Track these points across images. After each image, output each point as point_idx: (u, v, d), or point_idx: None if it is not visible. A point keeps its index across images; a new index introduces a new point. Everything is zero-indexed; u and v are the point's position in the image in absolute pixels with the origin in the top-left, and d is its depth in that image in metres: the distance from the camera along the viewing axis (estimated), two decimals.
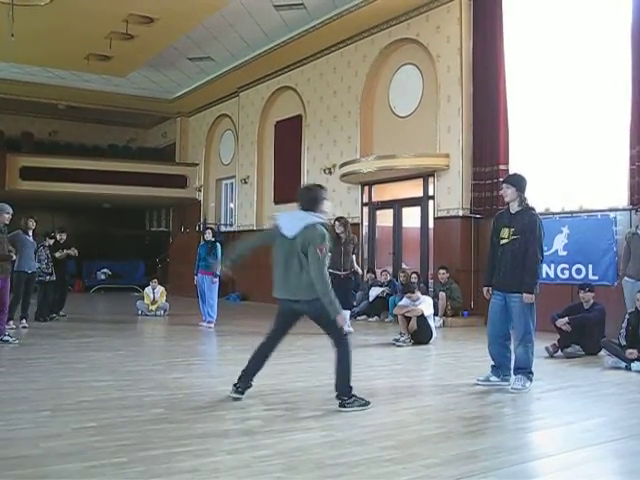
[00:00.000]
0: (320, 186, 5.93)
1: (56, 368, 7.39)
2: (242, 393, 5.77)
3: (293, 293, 5.59)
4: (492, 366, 6.64)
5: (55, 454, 4.13)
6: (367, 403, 5.51)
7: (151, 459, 4.05)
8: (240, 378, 5.83)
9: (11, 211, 9.49)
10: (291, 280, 5.55)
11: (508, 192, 6.50)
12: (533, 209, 6.59)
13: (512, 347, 6.60)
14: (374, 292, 13.67)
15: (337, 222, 10.98)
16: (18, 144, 23.22)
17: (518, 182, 6.56)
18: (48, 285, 12.25)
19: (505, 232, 6.45)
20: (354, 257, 11.05)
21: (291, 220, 5.63)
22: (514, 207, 6.51)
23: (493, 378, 6.58)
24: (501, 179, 12.13)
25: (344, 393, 5.49)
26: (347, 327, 10.65)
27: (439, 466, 4.01)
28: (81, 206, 25.13)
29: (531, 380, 6.43)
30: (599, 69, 11.29)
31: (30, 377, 6.80)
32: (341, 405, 5.45)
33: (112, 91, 21.31)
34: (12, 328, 10.62)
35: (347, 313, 10.75)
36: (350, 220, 15.58)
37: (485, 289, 6.79)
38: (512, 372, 6.52)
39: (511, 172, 12.13)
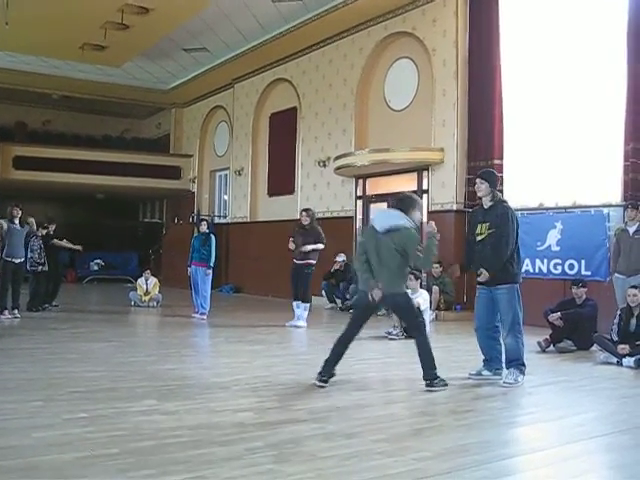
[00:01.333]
0: (416, 197, 6.70)
1: (48, 358, 7.38)
2: (326, 382, 6.11)
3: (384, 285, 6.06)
4: (484, 360, 6.66)
5: (46, 444, 4.12)
6: (447, 384, 6.07)
7: (143, 450, 4.05)
8: (324, 367, 6.19)
9: None
10: (384, 274, 6.09)
11: (482, 187, 6.61)
12: (505, 201, 6.73)
13: (501, 340, 6.61)
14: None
15: (304, 212, 11.12)
16: (11, 133, 23.13)
17: (491, 178, 6.69)
18: (40, 275, 12.22)
19: (481, 228, 6.56)
20: (314, 247, 10.87)
21: (386, 217, 6.25)
22: (486, 202, 6.63)
23: (485, 372, 6.60)
24: (496, 174, 12.27)
25: (429, 376, 6.04)
26: (303, 322, 10.72)
27: (431, 459, 4.02)
28: (74, 196, 25.05)
29: (523, 373, 6.44)
30: (594, 65, 11.29)
31: (21, 367, 6.79)
32: (428, 386, 6.02)
33: (107, 81, 21.21)
34: (8, 318, 10.60)
35: (305, 306, 10.81)
36: (346, 213, 15.73)
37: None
38: (504, 365, 6.53)
39: (505, 167, 12.27)
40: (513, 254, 6.44)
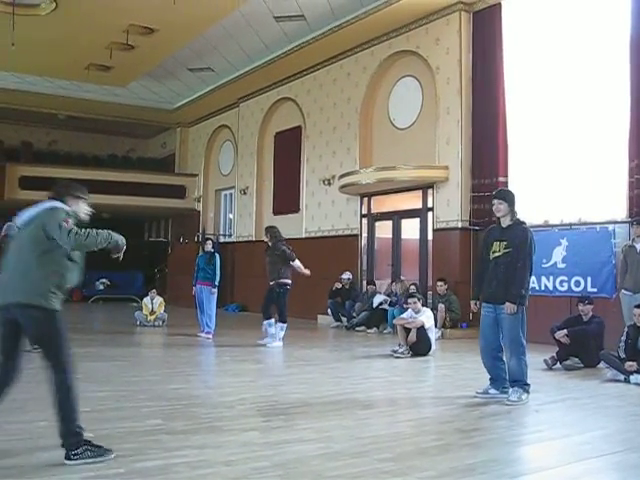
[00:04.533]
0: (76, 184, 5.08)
1: None
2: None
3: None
4: (490, 379, 6.64)
5: (52, 465, 4.12)
6: (103, 454, 4.26)
7: (148, 470, 4.04)
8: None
9: None
10: (16, 276, 4.45)
11: (501, 207, 6.55)
12: (524, 223, 6.67)
13: (505, 359, 6.59)
14: (377, 299, 13.64)
15: (266, 232, 11.21)
16: (17, 154, 23.24)
17: (509, 197, 6.64)
18: None
19: (497, 246, 6.50)
20: (286, 266, 10.81)
21: (31, 210, 4.60)
22: (505, 222, 6.57)
23: (492, 390, 6.57)
24: None
25: (69, 437, 4.31)
26: (278, 342, 10.61)
27: (436, 478, 4.00)
28: None
29: (528, 392, 6.43)
30: (598, 82, 11.33)
31: (26, 387, 6.75)
32: (68, 457, 4.21)
33: (112, 101, 21.36)
34: None
35: (271, 322, 10.77)
36: (351, 231, 15.73)
37: (473, 302, 6.90)
38: (507, 384, 6.51)
39: (509, 184, 12.26)
40: None
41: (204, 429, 5.13)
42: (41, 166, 21.56)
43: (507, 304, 6.34)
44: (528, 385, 6.46)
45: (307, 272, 11.03)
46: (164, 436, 4.88)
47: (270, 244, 10.96)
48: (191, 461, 4.24)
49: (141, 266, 24.74)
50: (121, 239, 4.63)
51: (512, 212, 6.55)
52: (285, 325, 10.84)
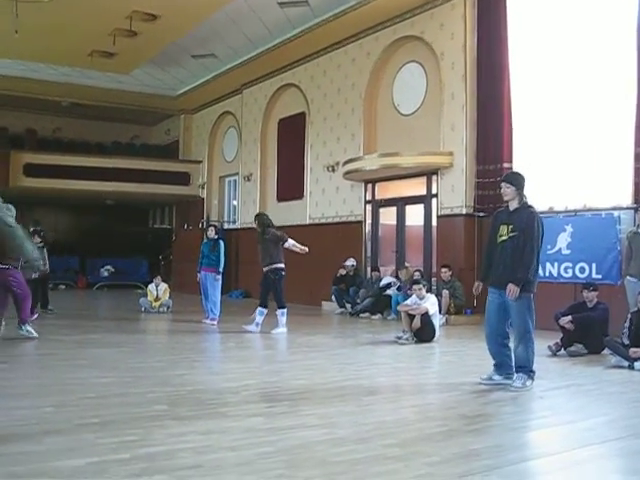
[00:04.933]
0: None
1: (58, 365, 7.41)
2: None
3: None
4: (494, 365, 6.63)
5: (58, 450, 4.14)
6: None
7: (154, 456, 4.06)
8: None
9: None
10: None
11: (508, 191, 6.52)
12: (532, 207, 6.62)
13: (511, 345, 6.58)
14: (385, 280, 13.62)
15: (255, 219, 11.21)
16: (22, 141, 23.26)
17: (517, 180, 6.58)
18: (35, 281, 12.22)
19: (504, 229, 6.46)
20: (278, 250, 10.75)
21: None
22: (513, 205, 6.54)
23: (496, 377, 6.56)
24: None
25: None
26: (283, 328, 10.57)
27: (441, 464, 4.01)
28: (84, 203, 25.18)
29: (532, 379, 6.42)
30: (604, 67, 11.25)
31: (32, 373, 6.82)
32: None
33: (115, 88, 21.29)
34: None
35: (263, 311, 10.71)
36: (355, 217, 15.72)
37: (477, 283, 6.86)
38: (512, 370, 6.51)
39: (514, 170, 12.21)
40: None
41: (209, 415, 5.15)
42: (45, 153, 21.62)
43: (509, 285, 6.25)
44: (533, 372, 6.45)
45: (304, 249, 10.92)
46: (169, 422, 4.90)
47: (259, 230, 10.95)
48: (196, 446, 4.26)
49: (146, 253, 24.85)
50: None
51: (520, 195, 6.50)
52: (285, 310, 10.76)
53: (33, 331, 9.28)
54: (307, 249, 10.98)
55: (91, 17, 14.40)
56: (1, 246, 8.64)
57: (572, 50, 11.75)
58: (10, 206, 8.95)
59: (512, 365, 6.53)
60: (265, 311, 10.75)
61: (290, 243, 10.83)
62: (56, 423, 4.79)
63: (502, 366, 6.56)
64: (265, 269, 10.77)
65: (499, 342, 6.57)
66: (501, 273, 6.42)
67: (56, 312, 13.03)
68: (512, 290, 6.26)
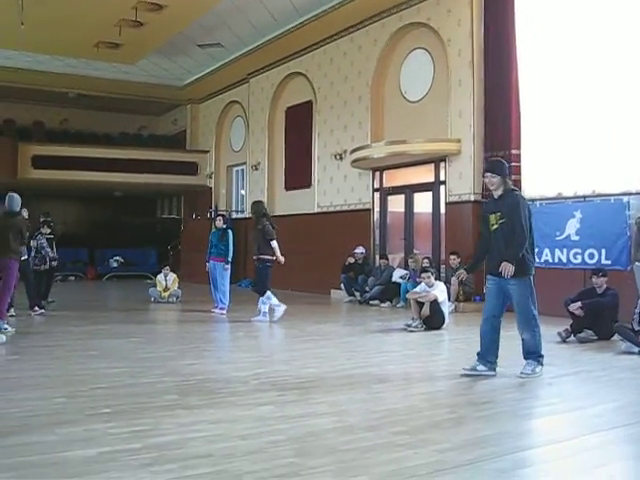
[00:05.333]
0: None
1: (69, 355, 7.45)
2: None
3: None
4: (478, 353, 6.44)
5: (70, 440, 4.17)
6: None
7: (165, 445, 4.08)
8: None
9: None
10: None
11: (494, 180, 6.43)
12: (515, 190, 6.61)
13: (501, 331, 6.44)
14: (397, 274, 13.60)
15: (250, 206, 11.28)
16: (29, 133, 23.28)
17: (501, 169, 6.50)
18: (42, 274, 12.26)
19: (493, 219, 6.41)
20: (265, 243, 10.64)
21: None
22: (498, 193, 6.47)
23: (480, 367, 6.37)
24: (514, 163, 12.21)
25: None
26: (262, 317, 10.51)
27: (451, 451, 4.02)
28: (93, 194, 25.23)
29: (542, 364, 6.38)
30: (613, 51, 11.15)
31: (44, 364, 6.86)
32: None
33: (122, 79, 21.29)
34: (12, 315, 10.60)
35: (262, 299, 10.66)
36: (363, 205, 15.71)
37: (461, 271, 7.22)
38: (523, 356, 6.45)
39: (522, 157, 12.20)
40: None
41: (219, 404, 5.18)
42: (53, 145, 21.64)
43: (503, 263, 6.15)
44: (542, 357, 6.40)
45: (281, 259, 10.76)
46: (180, 411, 4.93)
47: (254, 218, 10.94)
48: (207, 435, 4.29)
49: (154, 243, 24.91)
50: None
51: (505, 183, 6.44)
52: (265, 299, 10.66)
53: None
54: (283, 260, 10.79)
55: (97, 8, 14.39)
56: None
57: (580, 34, 11.65)
58: None
59: (497, 355, 6.40)
60: (265, 299, 10.75)
61: (274, 244, 10.66)
62: (67, 414, 4.83)
63: (487, 353, 6.37)
64: (254, 257, 10.82)
65: (493, 324, 6.42)
66: (497, 261, 6.31)
67: (54, 302, 12.91)
68: (506, 268, 6.14)
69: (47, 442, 4.12)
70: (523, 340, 6.42)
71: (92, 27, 15.67)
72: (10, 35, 15.91)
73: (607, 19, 11.23)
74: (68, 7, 14.30)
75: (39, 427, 4.46)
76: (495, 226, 6.41)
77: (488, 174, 6.50)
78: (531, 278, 6.38)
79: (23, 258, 11.14)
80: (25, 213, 11.37)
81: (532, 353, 6.38)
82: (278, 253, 10.73)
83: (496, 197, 6.50)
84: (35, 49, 18.00)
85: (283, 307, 10.69)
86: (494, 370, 6.38)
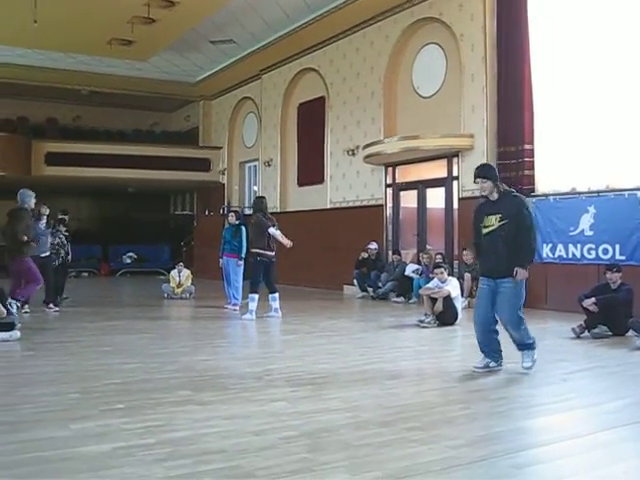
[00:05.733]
0: None
1: (83, 351, 7.48)
2: None
3: None
4: (482, 351, 6.47)
5: (84, 435, 4.19)
6: None
7: (179, 440, 4.09)
8: None
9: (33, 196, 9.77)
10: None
11: (485, 186, 6.38)
12: (513, 191, 6.56)
13: (499, 329, 6.43)
14: (410, 268, 13.53)
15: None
16: (43, 130, 23.41)
17: (491, 173, 6.46)
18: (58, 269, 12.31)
19: (491, 220, 6.32)
20: (259, 236, 10.58)
21: None
22: (494, 196, 6.40)
23: (492, 364, 6.41)
24: (527, 158, 12.16)
25: None
26: (249, 315, 10.44)
27: (465, 447, 4.01)
28: (106, 191, 25.33)
29: (534, 347, 6.34)
30: (626, 45, 11.07)
31: (57, 360, 6.90)
32: None
33: (135, 75, 21.36)
34: (26, 312, 10.67)
35: (252, 297, 10.53)
36: (376, 201, 15.69)
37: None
38: (502, 354, 6.42)
39: (535, 152, 12.11)
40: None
41: (233, 400, 5.18)
42: (66, 142, 21.74)
43: (519, 270, 6.12)
44: (533, 340, 6.36)
45: (288, 242, 10.69)
46: (193, 407, 4.94)
47: (252, 215, 10.96)
48: (221, 431, 4.29)
49: (168, 239, 25.00)
50: None
51: (497, 186, 6.39)
52: (256, 297, 10.53)
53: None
54: (291, 244, 10.72)
55: (109, 5, 14.44)
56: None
57: (593, 28, 11.56)
58: None
59: (500, 348, 6.41)
60: (275, 295, 10.72)
61: (272, 231, 10.55)
62: (81, 409, 4.85)
63: (491, 351, 6.41)
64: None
65: (488, 329, 6.41)
66: (494, 263, 6.28)
67: (68, 298, 12.96)
68: (522, 274, 6.16)
69: (61, 437, 4.15)
70: (511, 336, 6.39)
71: (105, 24, 15.73)
72: (23, 33, 15.98)
73: (620, 13, 11.14)
74: (81, 5, 14.35)
75: (53, 422, 4.48)
76: (493, 227, 6.31)
77: (479, 180, 6.43)
78: (525, 280, 6.32)
79: (44, 255, 11.24)
80: (46, 210, 11.51)
81: (524, 345, 6.35)
82: (281, 238, 10.65)
83: (493, 199, 6.42)
84: (48, 47, 18.09)
85: (253, 317, 10.49)
86: (501, 364, 6.41)
